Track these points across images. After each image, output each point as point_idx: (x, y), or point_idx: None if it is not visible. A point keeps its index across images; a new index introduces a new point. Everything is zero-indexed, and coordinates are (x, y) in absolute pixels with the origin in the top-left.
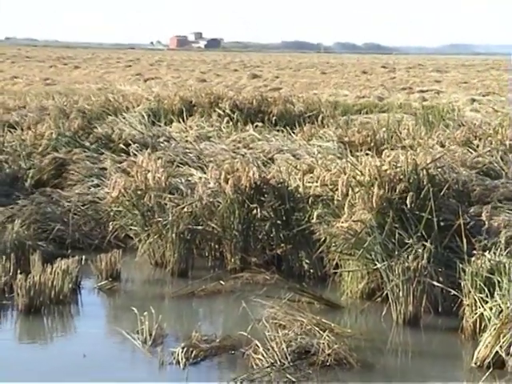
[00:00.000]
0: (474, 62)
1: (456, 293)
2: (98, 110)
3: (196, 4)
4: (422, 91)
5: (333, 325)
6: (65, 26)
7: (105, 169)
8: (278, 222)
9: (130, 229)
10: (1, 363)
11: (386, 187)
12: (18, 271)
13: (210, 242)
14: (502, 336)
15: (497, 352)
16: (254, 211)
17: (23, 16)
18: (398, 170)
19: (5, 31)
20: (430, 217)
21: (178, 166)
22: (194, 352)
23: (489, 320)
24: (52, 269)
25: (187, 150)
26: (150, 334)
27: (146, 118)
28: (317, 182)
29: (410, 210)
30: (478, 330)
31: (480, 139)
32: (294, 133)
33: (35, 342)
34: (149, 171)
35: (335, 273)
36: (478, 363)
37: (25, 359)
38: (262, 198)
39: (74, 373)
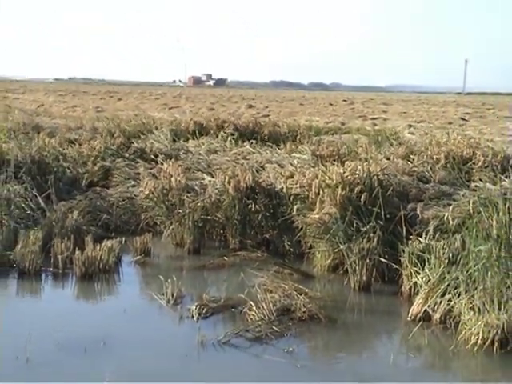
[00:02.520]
0: (410, 98)
1: (397, 267)
2: (135, 130)
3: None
4: (373, 118)
5: (307, 290)
6: (111, 68)
7: (139, 173)
8: (267, 214)
9: (158, 218)
10: (64, 313)
11: (347, 188)
12: (76, 248)
13: (217, 228)
14: (429, 298)
15: (426, 310)
16: (250, 206)
17: (81, 61)
18: (356, 176)
19: (68, 73)
20: (378, 211)
21: (194, 172)
22: (204, 309)
23: (420, 286)
24: (100, 247)
25: (200, 160)
26: (172, 296)
27: (169, 136)
28: (296, 184)
29: (365, 205)
30: (412, 294)
31: (415, 154)
32: (279, 148)
33: (88, 300)
34: (172, 175)
35: (309, 252)
36: (412, 318)
37: (81, 311)
38: (256, 196)
39: (117, 322)
